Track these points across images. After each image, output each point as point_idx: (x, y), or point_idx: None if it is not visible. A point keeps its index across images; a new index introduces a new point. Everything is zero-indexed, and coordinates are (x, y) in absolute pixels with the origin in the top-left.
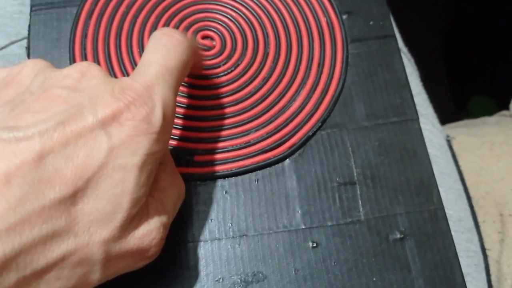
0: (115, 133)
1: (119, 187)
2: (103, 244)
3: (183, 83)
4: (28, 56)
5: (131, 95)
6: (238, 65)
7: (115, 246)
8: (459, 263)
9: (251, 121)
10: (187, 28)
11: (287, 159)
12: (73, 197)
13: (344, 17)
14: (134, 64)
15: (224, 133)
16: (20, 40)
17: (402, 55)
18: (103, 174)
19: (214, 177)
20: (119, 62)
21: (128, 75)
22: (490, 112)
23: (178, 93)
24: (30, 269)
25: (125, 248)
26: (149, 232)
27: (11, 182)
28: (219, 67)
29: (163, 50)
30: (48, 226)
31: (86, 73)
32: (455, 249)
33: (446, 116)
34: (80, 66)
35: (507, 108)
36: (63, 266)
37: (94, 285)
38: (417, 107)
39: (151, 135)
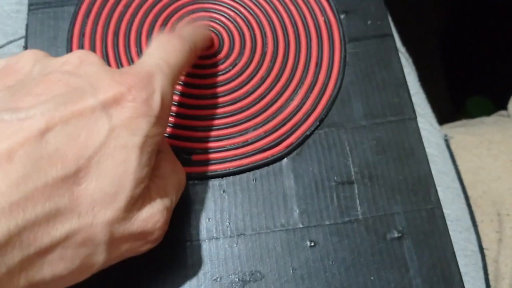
0: (116, 114)
1: (122, 166)
2: (107, 224)
3: (180, 82)
4: None
5: (133, 79)
6: (236, 64)
7: (119, 228)
8: (456, 262)
9: (248, 120)
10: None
11: (285, 158)
12: (76, 176)
13: (342, 16)
14: (132, 63)
15: (221, 132)
16: (18, 39)
17: (400, 54)
18: (105, 154)
19: (211, 176)
20: (117, 61)
21: None
22: (487, 112)
23: (177, 92)
24: (34, 248)
25: (129, 230)
26: (153, 215)
27: (13, 160)
28: (217, 66)
29: (166, 48)
30: (51, 204)
31: (85, 60)
32: (453, 248)
33: (444, 116)
34: (79, 53)
35: (504, 108)
36: (66, 246)
37: (97, 268)
38: (415, 107)
39: (150, 117)
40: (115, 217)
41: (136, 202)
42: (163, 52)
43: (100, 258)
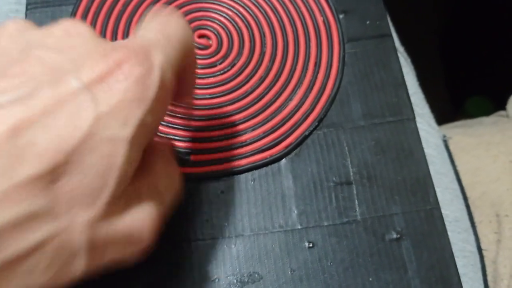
0: (103, 98)
1: (105, 161)
2: (87, 226)
3: None
4: None
5: (125, 53)
6: (235, 64)
7: (100, 230)
8: (455, 263)
9: (247, 121)
10: None
11: (284, 159)
12: (53, 173)
13: (341, 16)
14: None
15: (220, 132)
16: None
17: (399, 54)
18: (88, 147)
19: (210, 177)
20: None
21: None
22: (487, 112)
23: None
24: (3, 256)
25: (112, 233)
26: (140, 218)
27: None
28: (215, 66)
29: (167, 23)
30: (23, 207)
31: (71, 31)
32: (451, 249)
33: (443, 116)
34: (65, 23)
35: (503, 108)
36: (42, 253)
37: (78, 277)
38: (414, 107)
39: (145, 101)
40: (95, 217)
41: (118, 201)
42: (163, 26)
43: (79, 266)
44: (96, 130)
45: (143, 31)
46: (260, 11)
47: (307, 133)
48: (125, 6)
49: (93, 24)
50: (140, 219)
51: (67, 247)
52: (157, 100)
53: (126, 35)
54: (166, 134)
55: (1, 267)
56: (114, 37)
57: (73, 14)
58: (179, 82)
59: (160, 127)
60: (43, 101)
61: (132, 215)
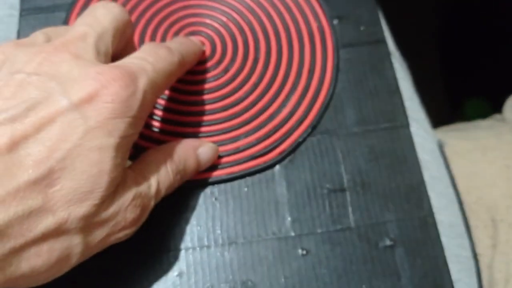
0: (92, 115)
1: (97, 167)
2: (82, 219)
3: (172, 88)
4: None
5: (114, 77)
6: (228, 70)
7: (93, 219)
8: (448, 270)
9: (240, 127)
10: (177, 33)
11: (277, 166)
12: (49, 178)
13: (335, 22)
14: None
15: (213, 139)
16: None
17: (394, 59)
18: (80, 155)
19: (203, 184)
20: None
21: None
22: (485, 114)
23: (167, 98)
24: (9, 247)
25: (104, 218)
26: (127, 201)
27: None
28: (208, 72)
29: (154, 55)
30: (24, 206)
31: (53, 58)
32: (445, 257)
33: (440, 118)
34: (51, 47)
35: (501, 110)
36: (42, 243)
37: (77, 259)
38: (409, 112)
39: (128, 118)
40: (90, 212)
41: (108, 196)
42: (150, 57)
43: (78, 250)
44: (85, 141)
45: (133, 59)
46: (254, 17)
47: (300, 139)
48: None
49: None
50: (127, 201)
51: (65, 236)
52: (137, 117)
53: None
54: (160, 141)
55: (11, 253)
56: None
57: (66, 20)
58: None
59: (154, 134)
60: (37, 119)
61: (118, 202)
